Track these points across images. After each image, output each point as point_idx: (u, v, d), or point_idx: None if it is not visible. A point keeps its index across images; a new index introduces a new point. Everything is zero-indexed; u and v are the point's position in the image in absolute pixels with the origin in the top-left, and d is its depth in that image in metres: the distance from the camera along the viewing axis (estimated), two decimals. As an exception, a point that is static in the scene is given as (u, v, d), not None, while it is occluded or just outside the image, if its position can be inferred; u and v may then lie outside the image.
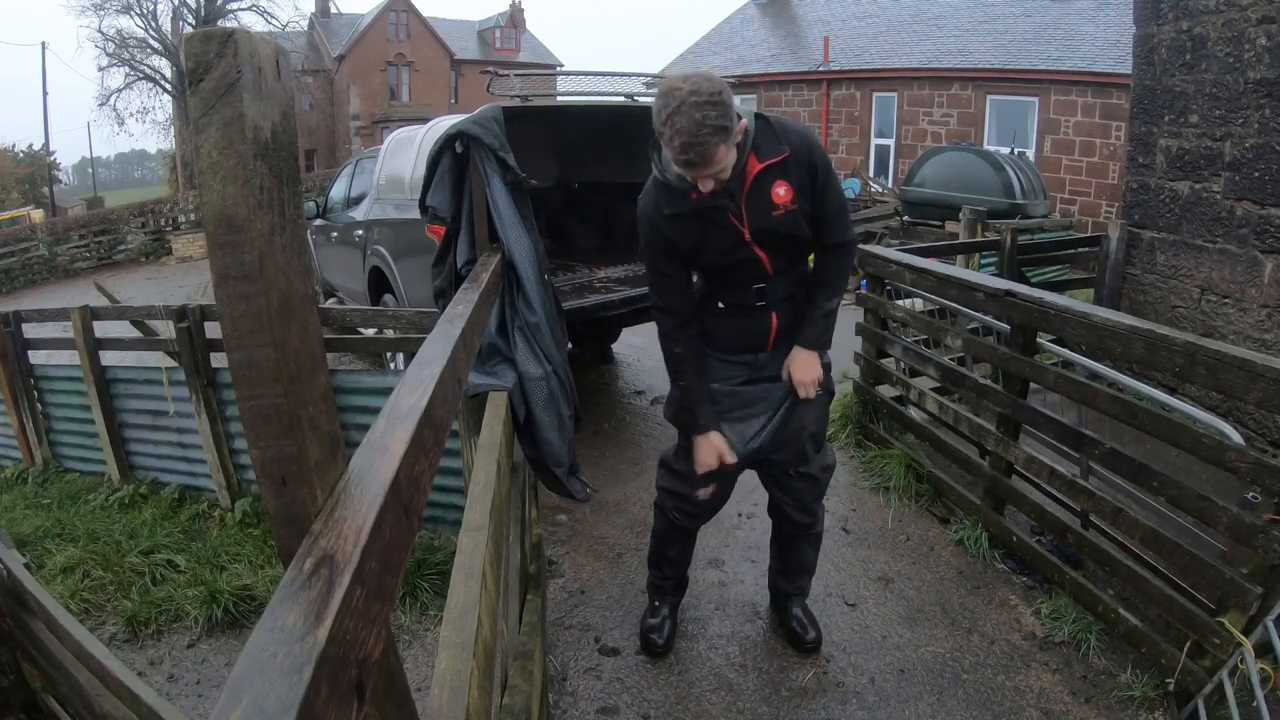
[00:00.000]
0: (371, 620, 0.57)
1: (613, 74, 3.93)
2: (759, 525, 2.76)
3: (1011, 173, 8.31)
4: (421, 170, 4.17)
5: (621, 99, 4.03)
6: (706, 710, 2.02)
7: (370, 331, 3.89)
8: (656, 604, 2.30)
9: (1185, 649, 1.91)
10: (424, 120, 5.04)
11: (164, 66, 23.63)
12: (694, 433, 1.95)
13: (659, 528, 2.22)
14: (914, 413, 3.37)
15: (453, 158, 2.42)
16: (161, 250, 14.90)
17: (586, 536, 2.92)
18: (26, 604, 2.13)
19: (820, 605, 2.44)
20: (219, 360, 3.46)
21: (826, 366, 1.98)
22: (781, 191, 1.72)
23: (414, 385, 0.92)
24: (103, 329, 4.04)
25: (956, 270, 3.40)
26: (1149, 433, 2.06)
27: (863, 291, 3.71)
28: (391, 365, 4.13)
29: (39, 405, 4.51)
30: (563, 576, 2.66)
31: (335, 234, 5.45)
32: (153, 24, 23.38)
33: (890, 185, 11.47)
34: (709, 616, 2.40)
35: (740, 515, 2.97)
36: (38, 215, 20.19)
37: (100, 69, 24.65)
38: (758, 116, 1.74)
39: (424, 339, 1.19)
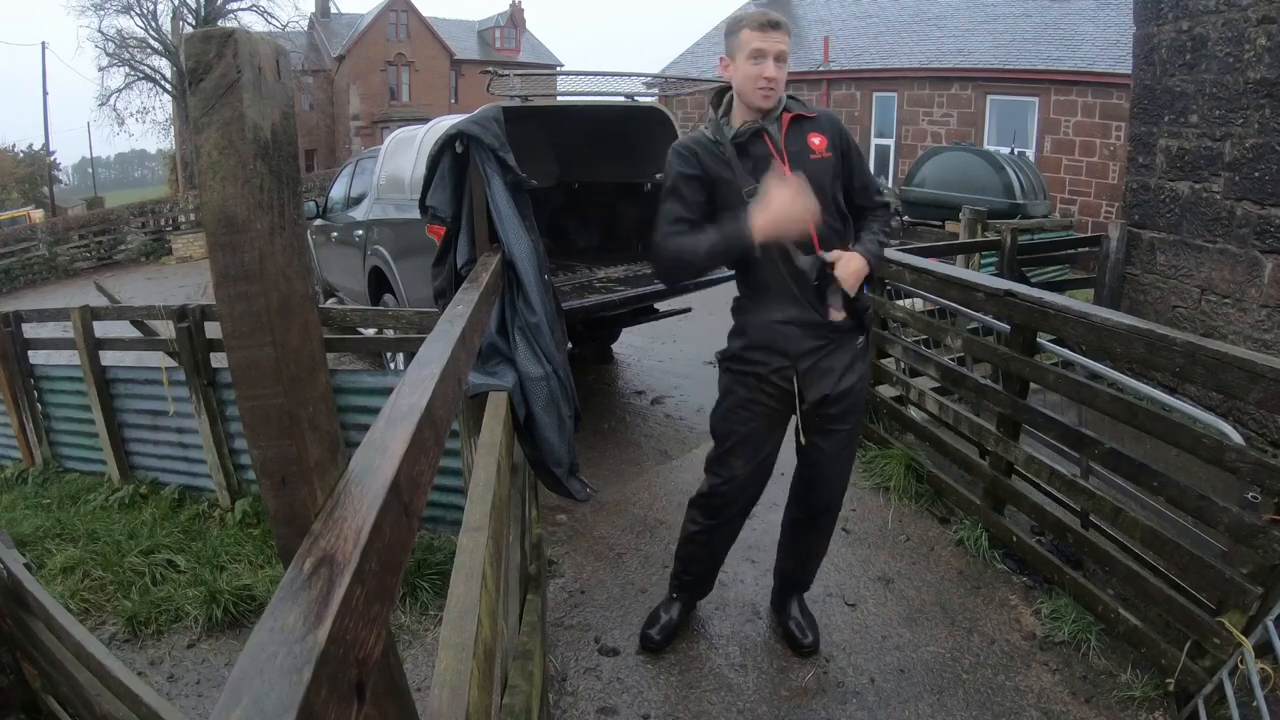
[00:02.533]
0: (371, 620, 0.57)
1: (613, 74, 3.93)
2: (759, 525, 2.76)
3: (1011, 173, 8.31)
4: (421, 170, 4.16)
5: (621, 99, 4.03)
6: (706, 710, 2.02)
7: (370, 331, 3.89)
8: (673, 596, 2.31)
9: (1185, 649, 1.91)
10: (424, 120, 5.04)
11: (164, 66, 23.62)
12: (744, 228, 1.76)
13: (686, 530, 2.21)
14: (914, 413, 3.37)
15: (453, 158, 2.42)
16: (161, 250, 14.90)
17: (586, 536, 2.92)
18: (26, 604, 2.13)
19: (820, 605, 2.44)
20: (219, 360, 3.46)
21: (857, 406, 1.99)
22: (817, 141, 1.87)
23: (414, 385, 0.92)
24: (103, 329, 4.04)
25: (956, 270, 3.40)
26: (1149, 433, 2.06)
27: (862, 291, 3.70)
28: (391, 365, 4.13)
29: (39, 405, 4.50)
30: (563, 576, 2.66)
31: (335, 234, 5.45)
32: (153, 24, 23.38)
33: (890, 185, 11.47)
34: (709, 616, 2.40)
35: (740, 515, 2.97)
36: (38, 215, 20.20)
37: (100, 69, 24.65)
38: (789, 95, 1.93)
39: (424, 339, 1.19)
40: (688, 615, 2.34)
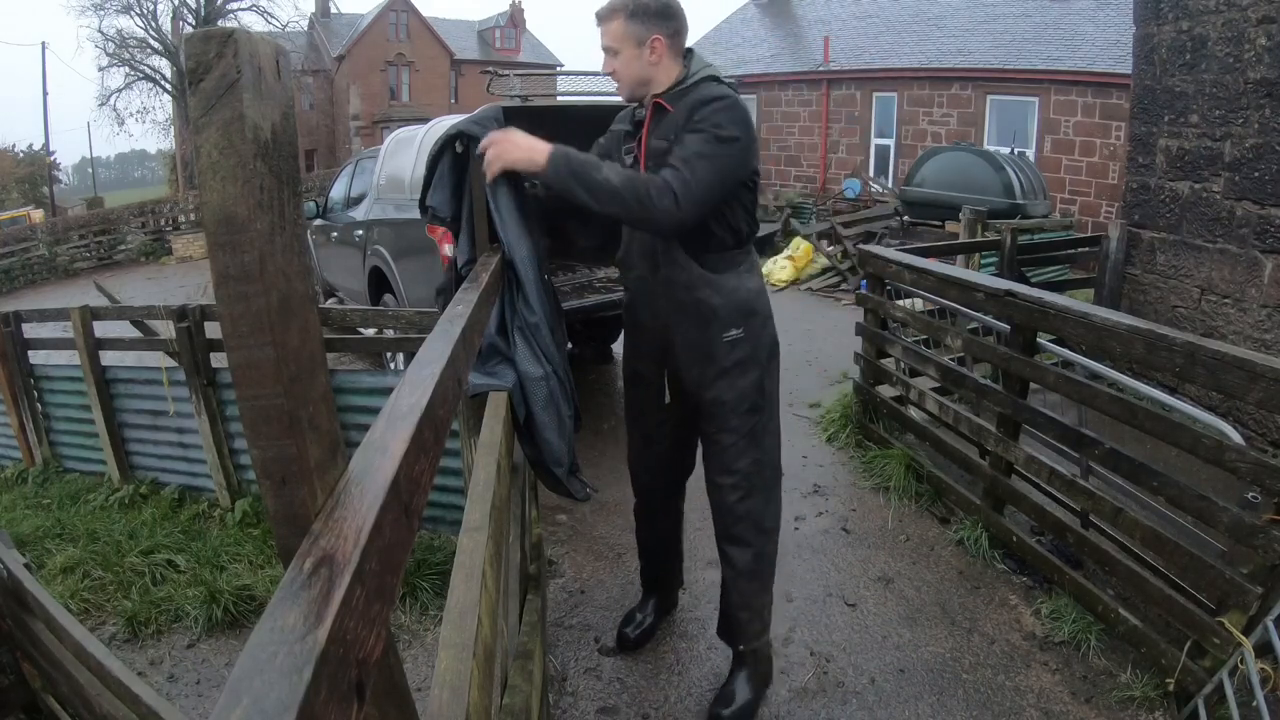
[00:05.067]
0: (371, 620, 0.57)
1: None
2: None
3: (1011, 173, 8.30)
4: (422, 170, 4.16)
5: (622, 99, 4.03)
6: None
7: (370, 331, 3.89)
8: (645, 593, 2.35)
9: (1185, 649, 1.91)
10: (424, 120, 5.04)
11: (164, 66, 23.64)
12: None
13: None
14: (914, 413, 3.37)
15: (453, 157, 2.41)
16: (161, 250, 14.89)
17: (586, 536, 2.92)
18: (26, 604, 2.13)
19: (820, 605, 2.44)
20: (219, 360, 3.46)
21: (760, 392, 1.84)
22: (658, 142, 1.75)
23: (414, 385, 0.92)
24: (103, 329, 4.04)
25: (956, 270, 3.40)
26: (1149, 433, 2.06)
27: (863, 291, 3.71)
28: (391, 365, 4.13)
29: (39, 405, 4.50)
30: (563, 576, 2.66)
31: (335, 234, 5.45)
32: (153, 24, 23.39)
33: (890, 185, 11.47)
34: (709, 616, 2.40)
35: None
36: (38, 215, 20.19)
37: (100, 69, 24.71)
38: (718, 80, 1.73)
39: (424, 339, 1.19)
40: (662, 614, 2.35)
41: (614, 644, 2.27)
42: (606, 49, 1.75)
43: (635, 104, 1.87)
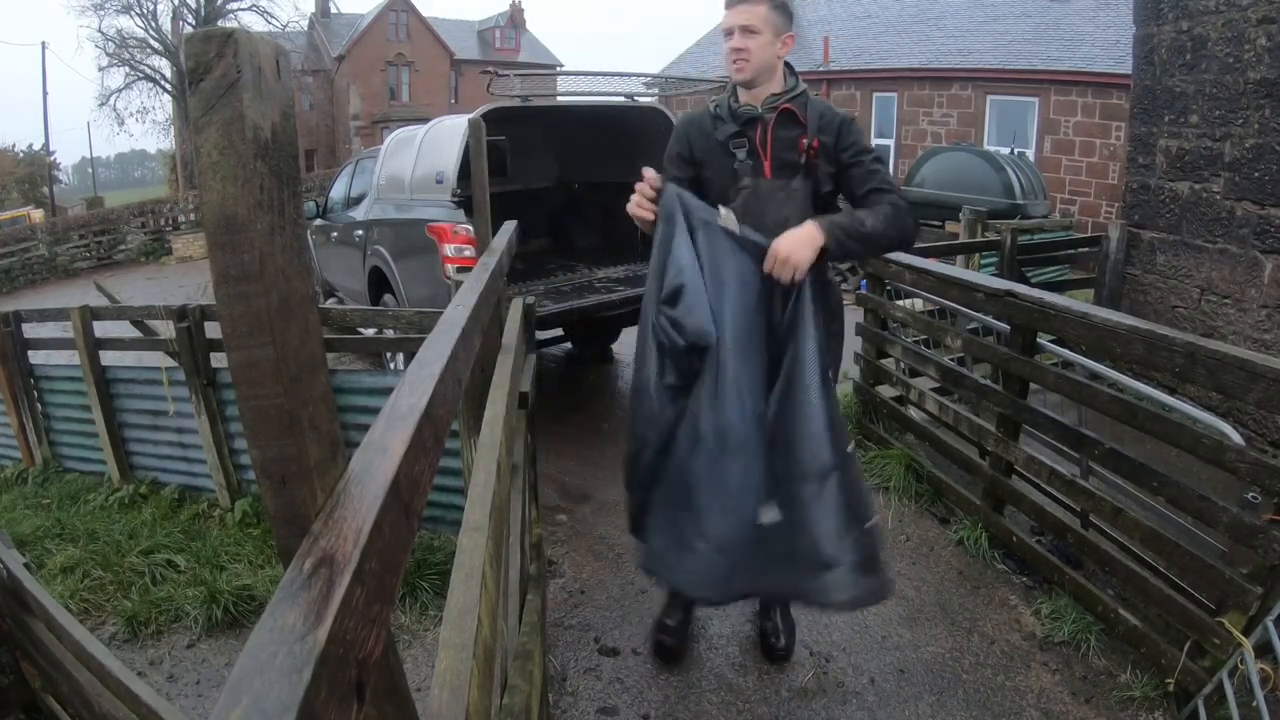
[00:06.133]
0: (371, 620, 0.57)
1: (613, 74, 3.94)
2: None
3: (1011, 173, 8.30)
4: (421, 170, 4.17)
5: (621, 99, 4.04)
6: (706, 710, 2.03)
7: (370, 331, 3.89)
8: (669, 604, 2.28)
9: (1185, 649, 1.91)
10: (424, 120, 5.04)
11: (164, 66, 23.63)
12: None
13: None
14: (914, 413, 3.37)
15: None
16: (161, 250, 14.90)
17: (586, 536, 2.92)
18: (26, 604, 2.13)
19: (820, 605, 2.44)
20: (219, 360, 3.46)
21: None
22: (805, 143, 1.80)
23: (414, 385, 0.92)
24: (103, 329, 4.04)
25: (956, 270, 3.40)
26: (1149, 433, 2.06)
27: (863, 291, 3.71)
28: (391, 365, 4.13)
29: (39, 405, 4.50)
30: (563, 576, 2.66)
31: (335, 234, 5.45)
32: (153, 24, 23.39)
33: (890, 185, 11.45)
34: (709, 616, 2.40)
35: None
36: (38, 215, 20.16)
37: (100, 69, 24.71)
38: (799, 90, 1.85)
39: (424, 339, 1.19)
40: (690, 611, 2.30)
41: (652, 651, 2.22)
42: (744, 27, 1.75)
43: (719, 109, 1.86)
